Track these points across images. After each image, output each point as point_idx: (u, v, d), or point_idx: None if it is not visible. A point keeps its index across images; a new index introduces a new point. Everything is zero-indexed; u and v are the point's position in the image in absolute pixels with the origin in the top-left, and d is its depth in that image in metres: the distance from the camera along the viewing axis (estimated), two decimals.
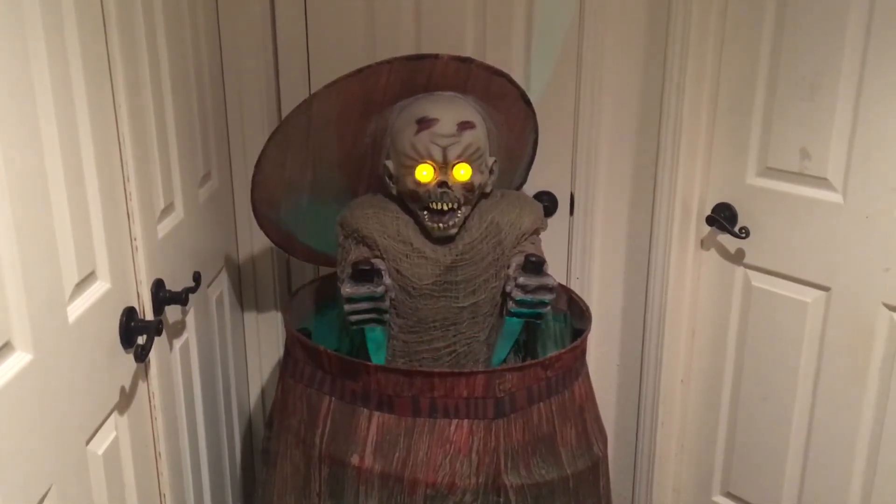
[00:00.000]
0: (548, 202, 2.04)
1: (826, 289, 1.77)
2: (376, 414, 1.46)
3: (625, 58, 1.93)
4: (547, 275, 1.57)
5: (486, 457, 1.44)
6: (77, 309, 1.09)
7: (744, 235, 1.87)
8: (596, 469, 1.63)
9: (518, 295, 1.56)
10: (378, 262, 1.57)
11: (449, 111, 1.56)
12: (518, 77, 1.96)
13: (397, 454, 1.44)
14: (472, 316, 1.63)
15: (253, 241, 2.04)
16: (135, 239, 1.29)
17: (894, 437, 1.70)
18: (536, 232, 1.70)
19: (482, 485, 1.45)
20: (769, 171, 1.82)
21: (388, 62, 1.54)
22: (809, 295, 1.81)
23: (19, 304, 0.93)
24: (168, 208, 1.48)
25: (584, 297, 2.00)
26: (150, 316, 1.34)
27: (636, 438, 2.17)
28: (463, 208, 1.59)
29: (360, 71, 1.52)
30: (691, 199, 1.95)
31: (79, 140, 1.10)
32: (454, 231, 1.59)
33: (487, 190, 1.66)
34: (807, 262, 1.80)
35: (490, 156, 1.64)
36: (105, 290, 1.18)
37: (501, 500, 1.46)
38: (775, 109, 1.77)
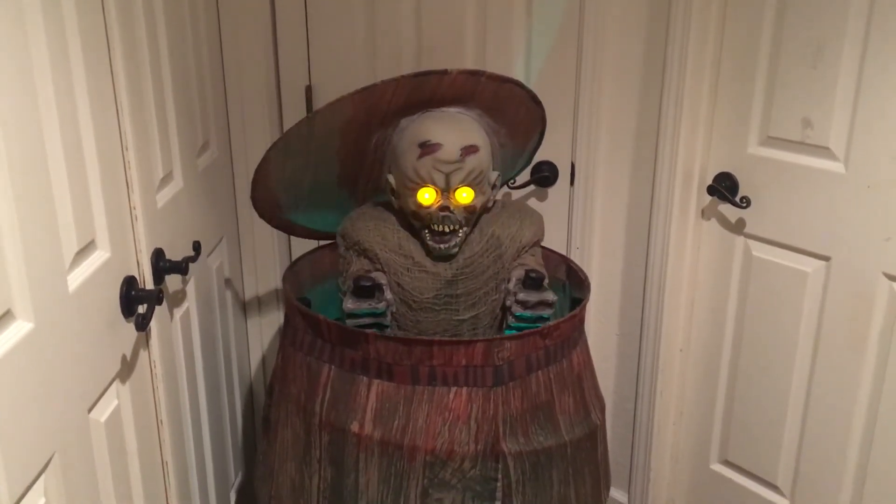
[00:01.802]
0: (548, 172, 2.03)
1: (826, 259, 1.77)
2: (376, 382, 1.47)
3: (626, 26, 1.91)
4: (547, 290, 1.59)
5: (484, 424, 1.46)
6: (77, 278, 1.10)
7: (744, 205, 1.86)
8: (593, 436, 1.64)
9: (518, 311, 1.58)
10: (379, 276, 1.59)
11: (452, 134, 1.54)
12: (519, 46, 1.95)
13: (397, 421, 1.46)
14: (472, 328, 1.65)
15: (252, 211, 2.04)
16: (134, 208, 1.29)
17: (891, 406, 1.72)
18: (537, 244, 1.72)
19: (481, 452, 1.46)
20: (771, 141, 1.81)
21: (396, 81, 1.49)
22: (809, 265, 1.81)
23: (19, 273, 0.93)
24: (167, 177, 1.48)
25: (584, 267, 2.00)
26: (150, 285, 1.34)
27: (635, 407, 2.19)
28: (464, 229, 1.59)
29: (365, 89, 1.49)
30: (692, 168, 1.94)
31: (76, 108, 1.10)
32: (455, 251, 1.60)
33: (489, 205, 1.66)
34: (807, 232, 1.80)
35: (493, 170, 1.63)
36: (105, 259, 1.18)
37: (500, 466, 1.47)
38: (778, 78, 1.76)
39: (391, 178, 1.62)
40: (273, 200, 1.69)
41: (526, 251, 1.68)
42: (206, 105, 1.77)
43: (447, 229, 1.56)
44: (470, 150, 1.54)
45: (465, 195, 1.55)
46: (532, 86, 1.96)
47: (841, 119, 1.68)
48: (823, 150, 1.72)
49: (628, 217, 2.07)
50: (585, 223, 2.08)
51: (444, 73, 1.49)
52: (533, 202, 2.09)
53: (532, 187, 2.07)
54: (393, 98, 1.51)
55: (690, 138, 1.91)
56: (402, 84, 1.48)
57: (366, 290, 1.54)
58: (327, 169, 1.66)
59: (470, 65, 1.97)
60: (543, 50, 1.96)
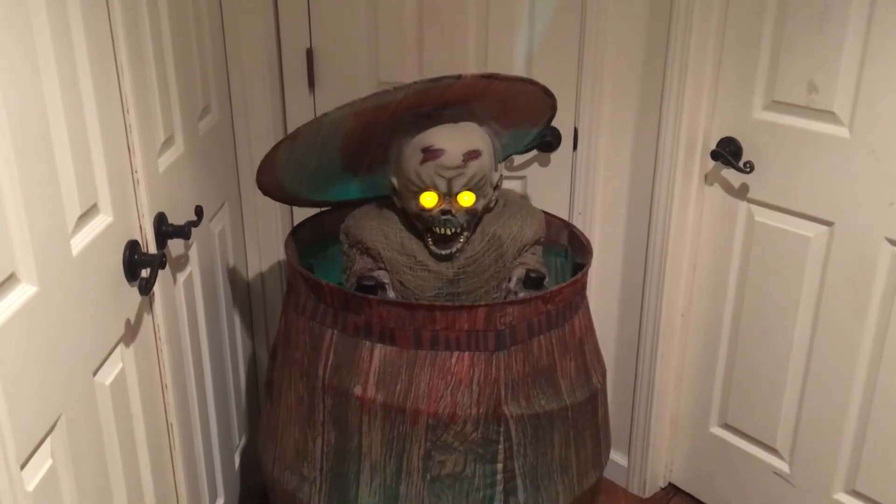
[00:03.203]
0: (551, 137, 2.02)
1: (829, 223, 1.77)
2: (378, 346, 1.47)
3: None
4: (546, 289, 1.59)
5: (486, 388, 1.47)
6: (80, 242, 1.10)
7: (748, 170, 1.86)
8: (594, 400, 1.66)
9: None
10: (381, 275, 1.62)
11: (454, 140, 1.55)
12: (522, 9, 1.92)
13: (399, 385, 1.47)
14: None
15: (254, 175, 2.03)
16: (136, 172, 1.29)
17: (891, 371, 1.72)
18: (538, 242, 1.73)
19: (483, 415, 1.47)
20: (775, 105, 1.80)
21: (408, 87, 1.47)
22: (812, 230, 1.81)
23: (23, 237, 0.94)
24: (168, 141, 1.47)
25: (587, 232, 2.00)
26: (153, 249, 1.34)
27: (636, 371, 2.20)
28: (466, 232, 1.62)
29: (375, 95, 1.47)
30: (696, 133, 1.93)
31: (77, 71, 1.09)
32: (457, 253, 1.63)
33: (491, 205, 1.68)
34: (811, 197, 1.79)
35: (494, 172, 1.65)
36: (108, 223, 1.18)
37: (502, 429, 1.48)
38: (784, 41, 1.74)
39: (394, 180, 1.64)
40: (277, 183, 1.72)
41: (527, 250, 1.70)
42: (206, 69, 1.76)
43: (449, 232, 1.59)
44: (472, 155, 1.56)
45: (467, 198, 1.58)
46: (535, 49, 1.95)
47: (846, 83, 1.66)
48: (828, 115, 1.71)
49: (631, 182, 2.06)
50: (588, 188, 2.08)
51: (458, 78, 1.48)
52: (535, 167, 2.09)
53: (535, 152, 2.06)
54: (403, 100, 1.51)
55: (694, 103, 1.90)
56: (413, 89, 1.48)
57: (369, 289, 1.56)
58: (331, 156, 1.67)
59: (473, 27, 1.95)
60: (547, 13, 1.93)
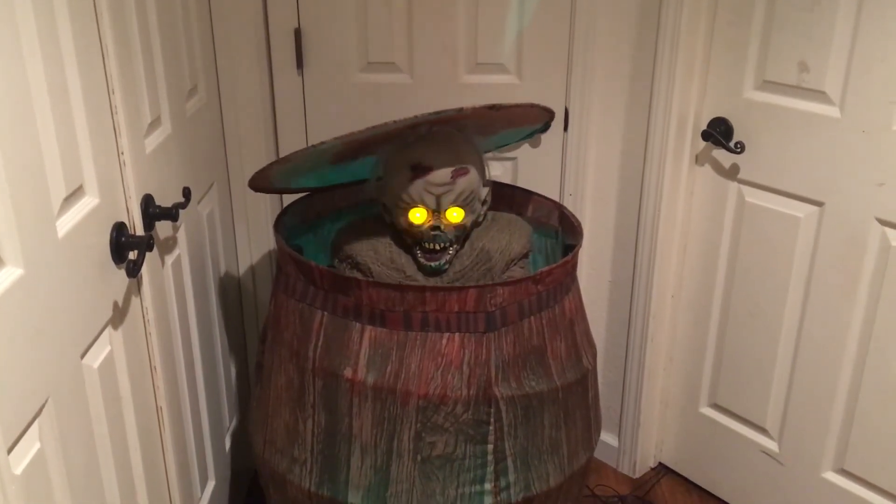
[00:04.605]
0: None
1: (819, 204, 1.77)
2: (368, 328, 1.47)
3: None
4: None
5: (477, 369, 1.47)
6: (66, 224, 1.09)
7: (739, 150, 1.85)
8: (584, 381, 1.66)
9: None
10: None
11: (443, 157, 1.56)
12: None
13: (389, 367, 1.46)
14: None
15: (242, 157, 2.02)
16: (122, 153, 1.27)
17: (880, 351, 1.73)
18: (525, 256, 1.74)
19: (473, 396, 1.47)
20: (767, 85, 1.80)
21: (412, 119, 1.45)
22: (802, 210, 1.81)
23: (7, 218, 0.92)
24: (155, 122, 1.46)
25: (577, 214, 2.00)
26: (140, 231, 1.33)
27: (626, 352, 2.21)
28: (454, 246, 1.64)
29: (374, 128, 1.45)
30: (687, 113, 1.92)
31: (61, 52, 1.07)
32: (445, 267, 1.65)
33: (480, 220, 1.69)
34: (801, 178, 1.79)
35: (483, 187, 1.66)
36: (94, 204, 1.17)
37: (492, 410, 1.49)
38: (775, 21, 1.74)
39: (383, 197, 1.65)
40: (269, 185, 1.74)
41: (514, 264, 1.72)
42: (193, 49, 1.74)
43: (438, 247, 1.62)
44: (460, 172, 1.57)
45: (455, 214, 1.60)
46: (525, 29, 1.93)
47: (837, 63, 1.66)
48: (819, 95, 1.70)
49: (622, 163, 2.06)
50: (579, 169, 2.07)
51: (460, 110, 1.47)
52: (526, 148, 2.08)
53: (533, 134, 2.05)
54: (402, 129, 1.51)
55: (685, 83, 1.89)
56: (413, 123, 1.48)
57: None
58: (322, 161, 1.66)
59: (462, 6, 1.93)
60: None
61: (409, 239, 1.65)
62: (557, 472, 1.60)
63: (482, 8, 1.93)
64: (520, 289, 1.48)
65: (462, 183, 1.58)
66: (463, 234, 1.65)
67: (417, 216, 1.59)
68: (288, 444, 1.60)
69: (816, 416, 1.89)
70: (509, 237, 1.71)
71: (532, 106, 1.61)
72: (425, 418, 1.47)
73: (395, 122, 1.45)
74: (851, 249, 1.73)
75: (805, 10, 1.67)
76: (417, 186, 1.56)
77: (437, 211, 1.59)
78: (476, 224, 1.69)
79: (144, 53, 1.40)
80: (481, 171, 1.64)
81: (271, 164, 1.57)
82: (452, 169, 1.56)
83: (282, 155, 2.06)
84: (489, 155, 1.90)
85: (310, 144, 1.65)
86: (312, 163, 1.64)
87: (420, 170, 1.56)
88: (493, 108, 1.50)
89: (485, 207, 1.69)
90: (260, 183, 1.68)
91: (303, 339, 1.54)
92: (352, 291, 1.47)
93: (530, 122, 1.79)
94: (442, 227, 1.60)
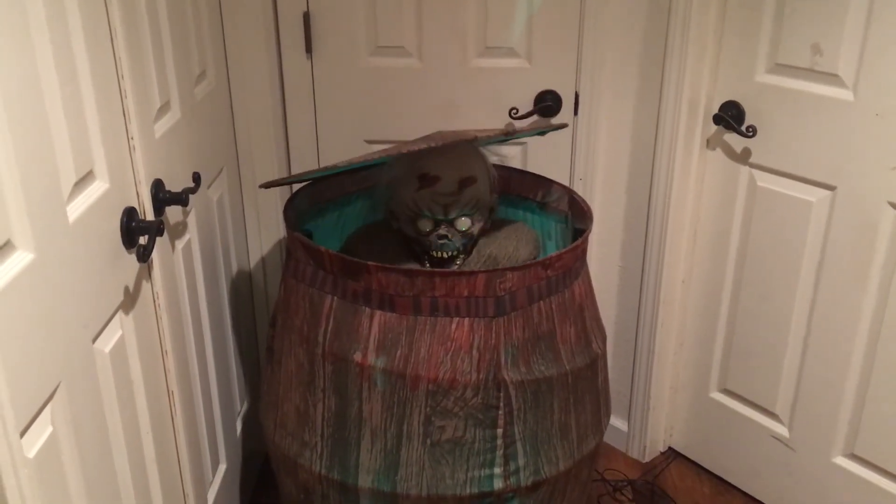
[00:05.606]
0: (552, 101, 2.00)
1: (832, 188, 1.76)
2: (378, 313, 1.47)
3: None
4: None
5: (486, 353, 1.47)
6: (77, 209, 1.09)
7: (751, 134, 1.84)
8: (594, 365, 1.66)
9: None
10: None
11: (451, 168, 1.56)
12: None
13: (399, 351, 1.47)
14: None
15: (252, 142, 2.02)
16: (132, 138, 1.27)
17: (892, 336, 1.72)
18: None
19: (483, 381, 1.47)
20: (779, 68, 1.78)
21: (425, 146, 1.43)
22: (814, 194, 1.80)
23: (18, 203, 0.93)
24: (164, 107, 1.46)
25: (587, 198, 1.99)
26: (150, 216, 1.33)
27: (636, 337, 2.20)
28: (462, 256, 1.65)
29: (387, 150, 1.46)
30: (698, 97, 1.91)
31: (70, 37, 1.07)
32: None
33: (487, 227, 1.70)
34: (813, 161, 1.78)
35: (491, 194, 1.66)
36: (104, 189, 1.17)
37: (501, 395, 1.49)
38: (787, 2, 1.72)
39: (392, 204, 1.66)
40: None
41: None
42: (201, 33, 1.73)
43: (445, 255, 1.62)
44: (468, 181, 1.58)
45: (463, 223, 1.61)
46: (535, 13, 1.92)
47: (851, 46, 1.64)
48: (832, 78, 1.69)
49: (632, 147, 2.05)
50: (589, 153, 2.06)
51: (476, 139, 1.49)
52: None
53: (535, 117, 2.04)
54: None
55: (697, 66, 1.87)
56: (427, 147, 1.46)
57: None
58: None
59: None
60: None
61: (417, 247, 1.66)
62: (567, 457, 1.61)
63: None
64: (529, 273, 1.48)
65: (469, 192, 1.58)
66: (470, 241, 1.66)
67: (425, 225, 1.60)
68: (298, 427, 1.60)
69: (827, 401, 1.88)
70: (516, 243, 1.71)
71: (546, 124, 1.61)
72: (435, 402, 1.48)
73: (411, 143, 1.46)
74: (864, 234, 1.72)
75: None
76: (424, 196, 1.57)
77: (444, 220, 1.59)
78: (483, 231, 1.70)
79: (153, 38, 1.39)
80: (488, 179, 1.65)
81: (284, 178, 1.59)
82: (460, 179, 1.57)
83: (290, 141, 2.05)
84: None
85: (322, 166, 1.65)
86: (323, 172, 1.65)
87: (427, 180, 1.57)
88: (509, 134, 1.53)
89: (492, 215, 1.70)
90: (270, 187, 1.68)
91: (313, 323, 1.55)
92: (361, 276, 1.47)
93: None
94: (449, 235, 1.60)
